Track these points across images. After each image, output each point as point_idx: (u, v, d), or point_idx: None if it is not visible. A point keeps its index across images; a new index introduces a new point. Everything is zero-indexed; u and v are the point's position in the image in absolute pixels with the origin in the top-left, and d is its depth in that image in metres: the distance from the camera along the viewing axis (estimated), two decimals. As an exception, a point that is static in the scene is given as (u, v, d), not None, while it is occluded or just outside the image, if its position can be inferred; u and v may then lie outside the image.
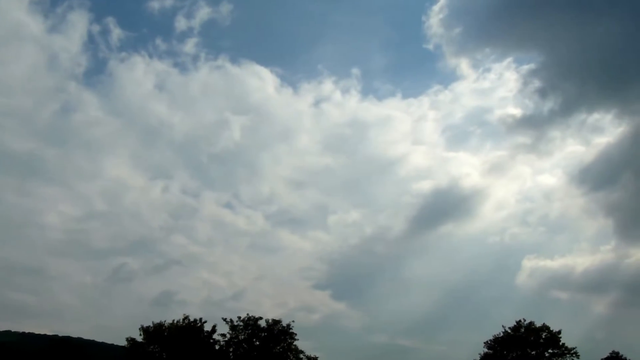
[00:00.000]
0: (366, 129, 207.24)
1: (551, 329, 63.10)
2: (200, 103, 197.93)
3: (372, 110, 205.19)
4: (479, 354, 64.27)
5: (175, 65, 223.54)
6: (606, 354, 65.61)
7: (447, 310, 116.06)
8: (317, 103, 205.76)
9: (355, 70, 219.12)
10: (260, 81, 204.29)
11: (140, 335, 57.61)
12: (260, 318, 61.26)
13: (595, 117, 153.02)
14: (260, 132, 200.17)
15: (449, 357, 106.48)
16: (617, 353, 64.59)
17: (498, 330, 64.31)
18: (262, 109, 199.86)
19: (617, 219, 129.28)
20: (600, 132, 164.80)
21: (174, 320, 58.50)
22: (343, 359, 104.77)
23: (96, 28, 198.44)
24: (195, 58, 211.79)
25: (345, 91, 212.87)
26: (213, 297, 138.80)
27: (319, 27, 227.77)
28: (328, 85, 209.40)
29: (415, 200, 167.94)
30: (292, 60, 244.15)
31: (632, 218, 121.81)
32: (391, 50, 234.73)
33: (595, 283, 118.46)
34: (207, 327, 59.44)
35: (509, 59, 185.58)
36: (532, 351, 63.05)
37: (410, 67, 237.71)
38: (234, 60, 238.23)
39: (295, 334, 61.50)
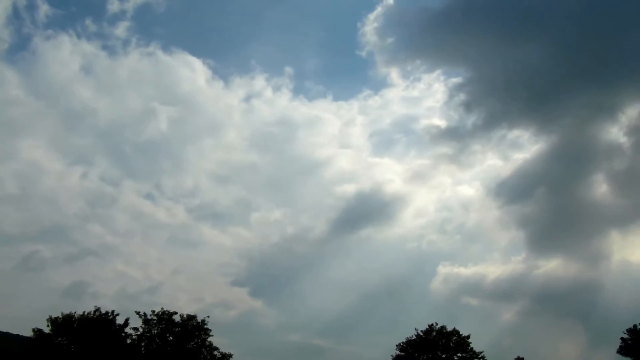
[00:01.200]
0: (295, 129, 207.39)
1: (461, 333, 65.28)
2: (127, 90, 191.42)
3: (302, 110, 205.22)
4: (391, 355, 65.78)
5: (104, 48, 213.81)
6: (511, 359, 68.42)
7: (363, 312, 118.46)
8: (247, 99, 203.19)
9: (288, 69, 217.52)
10: (192, 72, 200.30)
11: (48, 326, 55.95)
12: (175, 313, 60.50)
13: (515, 133, 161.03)
14: (187, 124, 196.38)
15: (362, 358, 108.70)
16: (522, 358, 67.32)
17: (411, 333, 66.06)
18: (191, 100, 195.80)
19: (528, 231, 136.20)
20: (519, 148, 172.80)
21: (84, 312, 56.89)
22: (257, 357, 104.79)
23: (22, 2, 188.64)
24: (125, 42, 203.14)
25: (276, 89, 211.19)
26: (128, 289, 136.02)
27: (255, 23, 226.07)
28: (260, 82, 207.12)
29: (338, 203, 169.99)
30: (225, 54, 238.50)
31: (542, 231, 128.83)
32: (325, 53, 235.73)
33: (505, 291, 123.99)
34: (120, 320, 58.19)
35: (439, 71, 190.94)
36: (442, 354, 64.95)
37: (343, 71, 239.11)
38: (166, 48, 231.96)
39: (210, 330, 61.01)
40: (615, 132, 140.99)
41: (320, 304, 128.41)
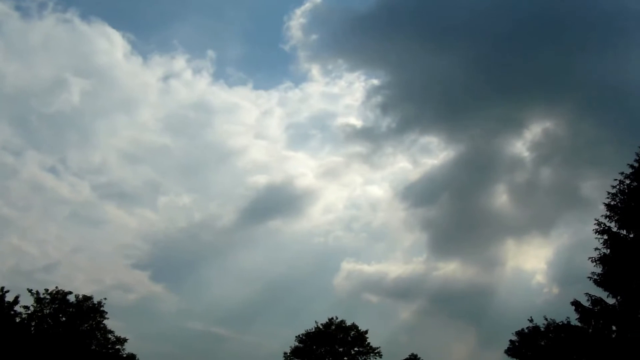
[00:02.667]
0: (212, 114, 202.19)
1: (360, 328, 66.15)
2: (39, 56, 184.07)
3: (221, 95, 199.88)
4: (290, 347, 66.32)
5: (18, 8, 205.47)
6: (406, 355, 69.29)
7: (266, 303, 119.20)
8: (166, 78, 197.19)
9: (210, 53, 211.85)
10: (109, 44, 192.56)
11: None
12: (70, 293, 59.29)
13: (426, 139, 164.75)
14: (100, 98, 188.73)
15: (261, 348, 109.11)
16: (416, 355, 68.36)
17: (311, 326, 66.64)
18: (106, 74, 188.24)
19: (431, 234, 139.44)
20: (428, 154, 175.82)
21: (-30, 287, 56.64)
22: (155, 343, 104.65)
23: None
24: (42, 5, 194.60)
25: (197, 71, 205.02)
26: (22, 266, 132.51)
27: (181, 3, 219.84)
28: (180, 63, 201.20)
29: (249, 193, 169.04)
30: (147, 30, 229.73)
31: (444, 235, 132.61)
32: (249, 41, 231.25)
33: (404, 290, 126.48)
34: (9, 298, 58.16)
35: (359, 72, 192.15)
36: (340, 348, 65.72)
37: (265, 61, 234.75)
38: (84, 16, 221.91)
39: (106, 313, 59.94)
40: (520, 147, 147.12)
41: (224, 292, 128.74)
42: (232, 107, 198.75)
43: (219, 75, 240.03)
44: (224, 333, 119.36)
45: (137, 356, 64.60)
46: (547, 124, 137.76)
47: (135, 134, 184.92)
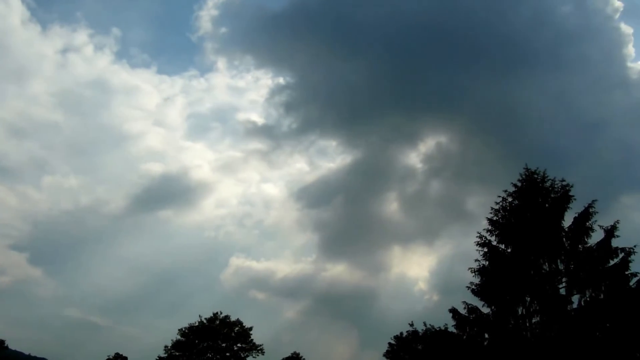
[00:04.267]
0: (110, 95, 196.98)
1: (244, 324, 65.81)
2: None
3: (122, 76, 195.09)
4: (172, 340, 64.86)
5: None
6: (288, 354, 69.94)
7: (150, 293, 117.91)
8: (64, 51, 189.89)
9: (115, 31, 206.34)
10: (6, 8, 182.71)
11: None
12: None
13: (325, 142, 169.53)
14: None
15: (140, 340, 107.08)
16: (298, 354, 69.04)
17: (195, 320, 65.56)
18: None
19: (322, 236, 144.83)
20: (325, 157, 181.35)
21: None
22: (26, 329, 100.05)
23: None
24: None
25: (99, 48, 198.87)
26: None
27: None
28: (82, 37, 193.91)
29: (141, 181, 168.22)
30: None
31: (334, 237, 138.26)
32: (157, 25, 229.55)
33: (292, 289, 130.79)
34: None
35: (267, 69, 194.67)
36: (223, 343, 65.06)
37: (171, 47, 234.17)
38: None
39: None
40: (414, 158, 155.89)
41: (107, 280, 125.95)
42: (132, 89, 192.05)
43: (122, 54, 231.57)
44: (102, 322, 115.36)
45: (7, 342, 60.84)
46: (441, 138, 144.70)
47: (24, 107, 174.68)
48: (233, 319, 65.85)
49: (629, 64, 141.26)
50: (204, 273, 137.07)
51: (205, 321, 65.11)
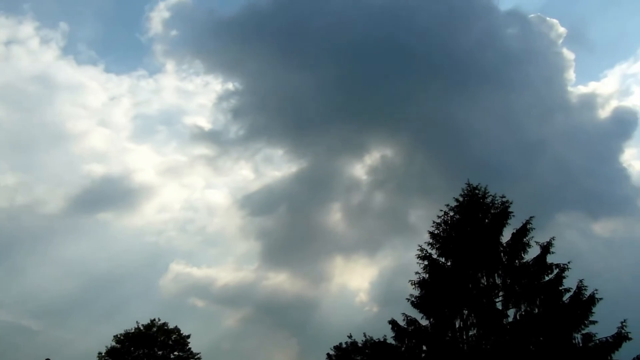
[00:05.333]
0: (54, 91, 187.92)
1: (182, 332, 64.42)
2: None
3: (68, 72, 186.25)
4: (106, 346, 62.87)
5: None
6: (226, 363, 69.07)
7: (86, 297, 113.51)
8: (8, 43, 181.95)
9: (63, 25, 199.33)
10: None
11: None
12: None
13: (272, 150, 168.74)
14: None
15: (73, 345, 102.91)
16: (235, 363, 68.17)
17: (132, 326, 63.81)
18: None
19: (264, 244, 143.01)
20: (272, 165, 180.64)
21: None
22: None
23: None
24: None
25: (45, 42, 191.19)
26: None
27: None
28: (28, 29, 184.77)
29: (82, 182, 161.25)
30: None
31: (277, 246, 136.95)
32: (106, 22, 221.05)
33: (232, 297, 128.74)
34: None
35: (216, 74, 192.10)
36: (159, 351, 63.52)
37: (120, 45, 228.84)
38: None
39: None
40: (359, 169, 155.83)
41: (41, 283, 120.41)
42: (78, 86, 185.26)
43: (69, 50, 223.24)
44: (35, 326, 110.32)
45: None
46: (387, 151, 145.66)
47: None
48: (171, 326, 64.27)
49: (570, 88, 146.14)
50: (143, 278, 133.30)
51: (142, 328, 63.34)
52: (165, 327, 64.06)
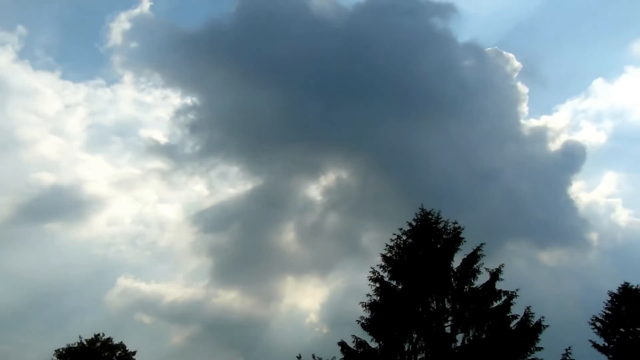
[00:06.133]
0: (6, 96, 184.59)
1: (127, 348, 62.72)
2: None
3: (22, 76, 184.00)
4: (47, 361, 60.78)
5: None
6: (172, 381, 67.60)
7: (29, 310, 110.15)
8: None
9: (21, 29, 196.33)
10: None
11: None
12: None
13: (227, 167, 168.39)
14: None
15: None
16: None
17: (75, 341, 61.85)
18: None
19: (216, 261, 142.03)
20: (226, 182, 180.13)
21: None
22: None
23: None
24: None
25: (1, 44, 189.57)
26: None
27: None
28: None
29: (30, 190, 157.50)
30: None
31: (228, 263, 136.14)
32: (65, 29, 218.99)
33: (180, 314, 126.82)
34: None
35: (175, 88, 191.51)
36: (102, 367, 61.74)
37: (78, 53, 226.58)
38: None
39: None
40: (314, 190, 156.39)
41: None
42: (32, 92, 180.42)
43: (25, 54, 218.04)
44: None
45: None
46: (342, 172, 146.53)
47: None
48: (116, 341, 62.58)
49: (522, 121, 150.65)
50: (89, 292, 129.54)
51: (85, 343, 61.46)
52: (110, 343, 62.27)
